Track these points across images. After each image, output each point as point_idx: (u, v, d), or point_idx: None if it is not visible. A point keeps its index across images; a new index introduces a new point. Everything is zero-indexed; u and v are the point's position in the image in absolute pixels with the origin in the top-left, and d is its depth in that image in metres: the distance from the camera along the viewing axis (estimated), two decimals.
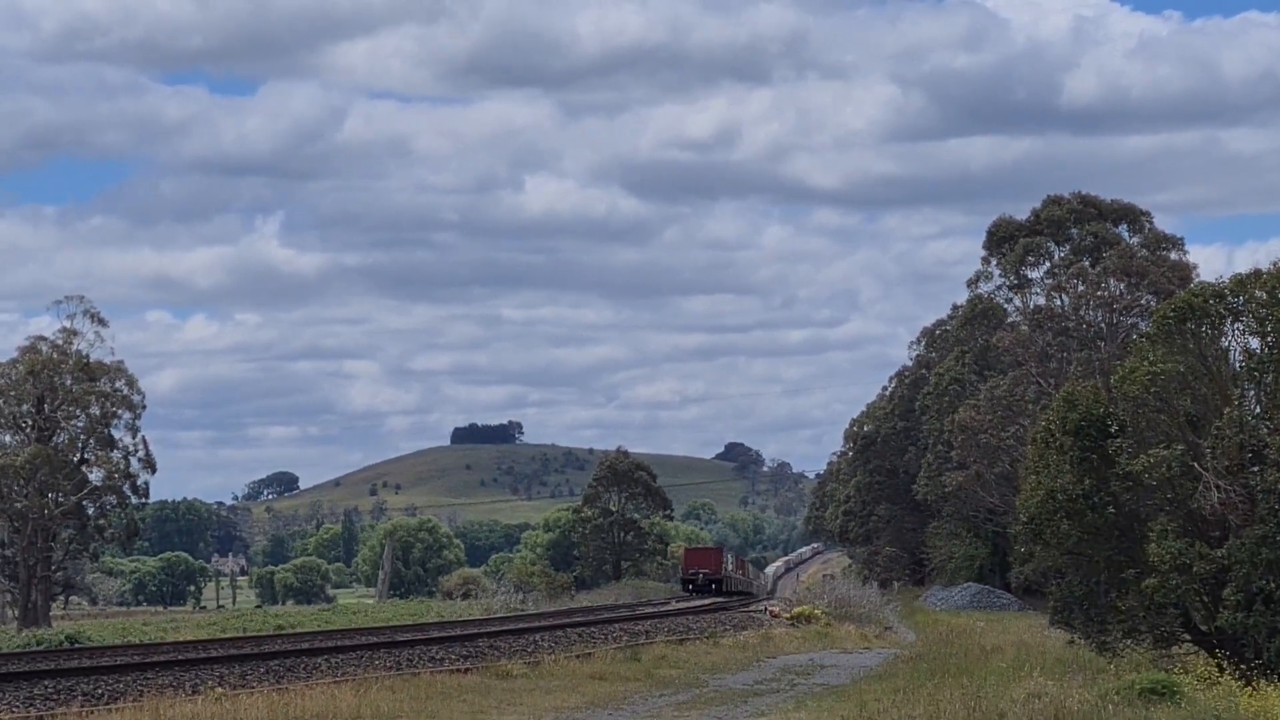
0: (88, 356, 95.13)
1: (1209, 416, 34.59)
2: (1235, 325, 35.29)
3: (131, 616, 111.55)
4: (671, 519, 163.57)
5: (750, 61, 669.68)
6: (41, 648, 46.60)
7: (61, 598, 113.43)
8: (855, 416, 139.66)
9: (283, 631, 57.21)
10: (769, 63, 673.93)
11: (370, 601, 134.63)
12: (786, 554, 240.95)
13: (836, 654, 51.19)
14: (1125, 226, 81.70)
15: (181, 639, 51.78)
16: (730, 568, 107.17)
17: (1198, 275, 71.19)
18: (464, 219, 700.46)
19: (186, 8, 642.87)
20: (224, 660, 37.53)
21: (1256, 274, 35.09)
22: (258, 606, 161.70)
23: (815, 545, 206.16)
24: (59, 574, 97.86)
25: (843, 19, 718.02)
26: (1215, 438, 33.93)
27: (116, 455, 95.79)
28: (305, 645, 42.98)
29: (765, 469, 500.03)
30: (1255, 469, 33.85)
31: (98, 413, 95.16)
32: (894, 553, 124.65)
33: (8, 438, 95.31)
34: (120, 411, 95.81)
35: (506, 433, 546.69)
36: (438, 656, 41.75)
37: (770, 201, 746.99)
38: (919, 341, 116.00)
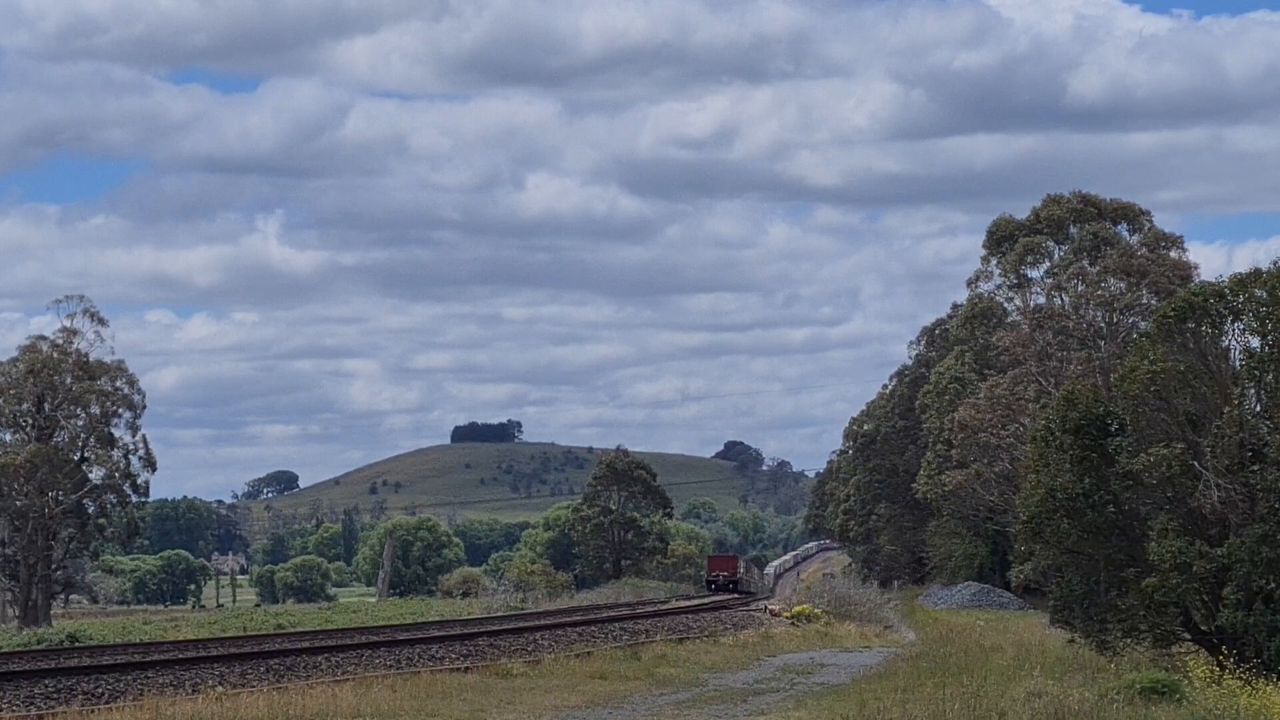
0: (88, 355, 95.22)
1: (1209, 415, 34.60)
2: (1235, 324, 35.31)
3: (132, 615, 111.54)
4: (671, 517, 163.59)
5: (752, 59, 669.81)
6: (42, 646, 46.60)
7: (62, 596, 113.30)
8: (855, 415, 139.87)
9: (283, 630, 57.22)
10: (771, 60, 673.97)
11: (370, 600, 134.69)
12: (786, 552, 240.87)
13: (836, 653, 51.19)
14: (1125, 226, 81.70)
15: (182, 638, 51.79)
16: (743, 571, 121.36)
17: (1198, 274, 71.20)
18: (465, 217, 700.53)
19: (188, 5, 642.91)
20: (224, 659, 37.54)
21: (1257, 273, 35.11)
22: (258, 605, 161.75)
23: (822, 541, 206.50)
24: (59, 573, 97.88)
25: (846, 17, 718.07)
26: (1215, 436, 33.93)
27: (117, 454, 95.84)
28: (305, 644, 42.99)
29: (765, 467, 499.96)
30: (1255, 467, 33.85)
31: (98, 411, 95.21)
32: (894, 551, 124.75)
33: (8, 436, 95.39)
34: (120, 410, 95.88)
35: (506, 431, 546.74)
36: (438, 655, 41.77)
37: (772, 199, 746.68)
38: (919, 340, 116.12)
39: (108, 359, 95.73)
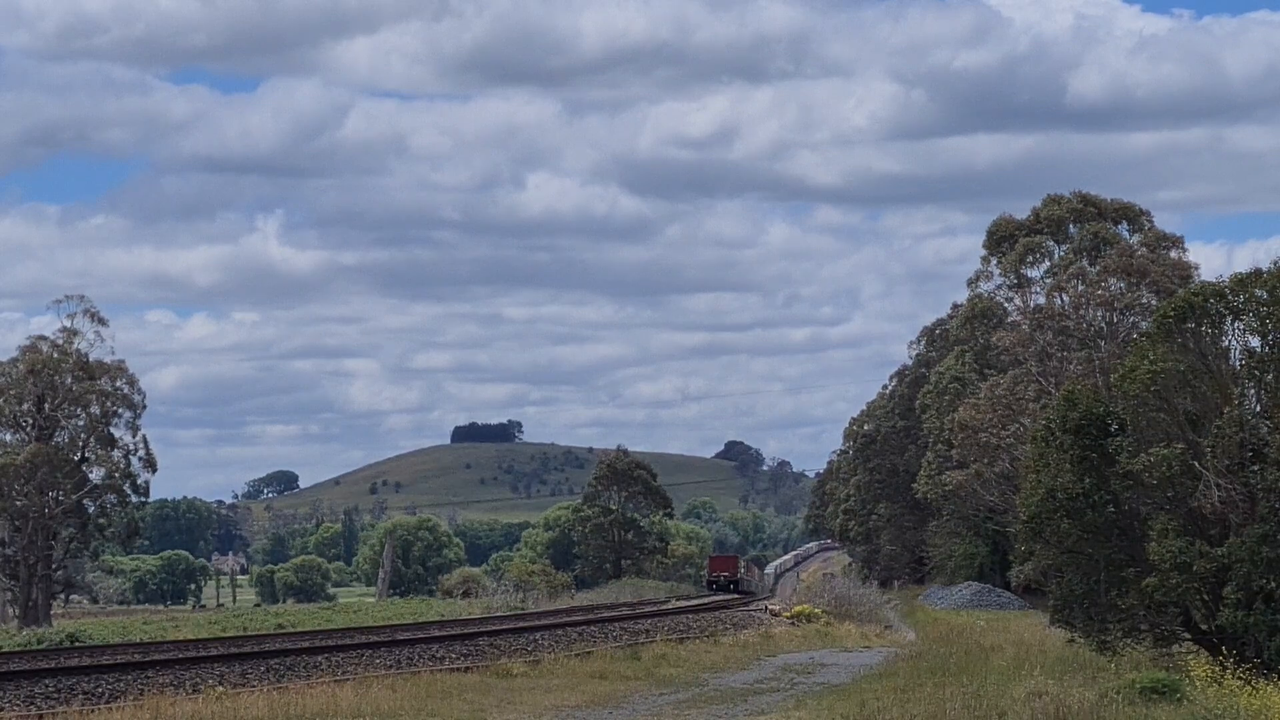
0: (88, 355, 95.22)
1: (1209, 415, 34.59)
2: (1236, 324, 35.29)
3: (132, 615, 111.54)
4: (671, 517, 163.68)
5: (752, 59, 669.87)
6: (42, 646, 46.58)
7: (62, 596, 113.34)
8: (855, 415, 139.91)
9: (283, 630, 57.21)
10: (771, 60, 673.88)
11: (370, 600, 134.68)
12: (786, 552, 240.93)
13: (837, 653, 51.18)
14: (1125, 225, 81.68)
15: (182, 638, 51.79)
16: (743, 571, 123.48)
17: (1198, 274, 71.16)
18: (465, 217, 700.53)
19: (189, 5, 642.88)
20: (224, 659, 37.52)
21: (1257, 273, 35.11)
22: (258, 605, 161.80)
23: (822, 541, 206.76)
24: (59, 573, 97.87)
25: (846, 17, 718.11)
26: (1215, 436, 33.93)
27: (117, 454, 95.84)
28: (305, 644, 42.97)
29: (765, 467, 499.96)
30: (1255, 467, 33.85)
31: (98, 412, 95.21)
32: (894, 551, 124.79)
33: (8, 436, 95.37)
34: (120, 410, 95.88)
35: (506, 431, 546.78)
36: (438, 655, 41.77)
37: (772, 199, 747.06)
38: (919, 340, 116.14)
39: (108, 359, 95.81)
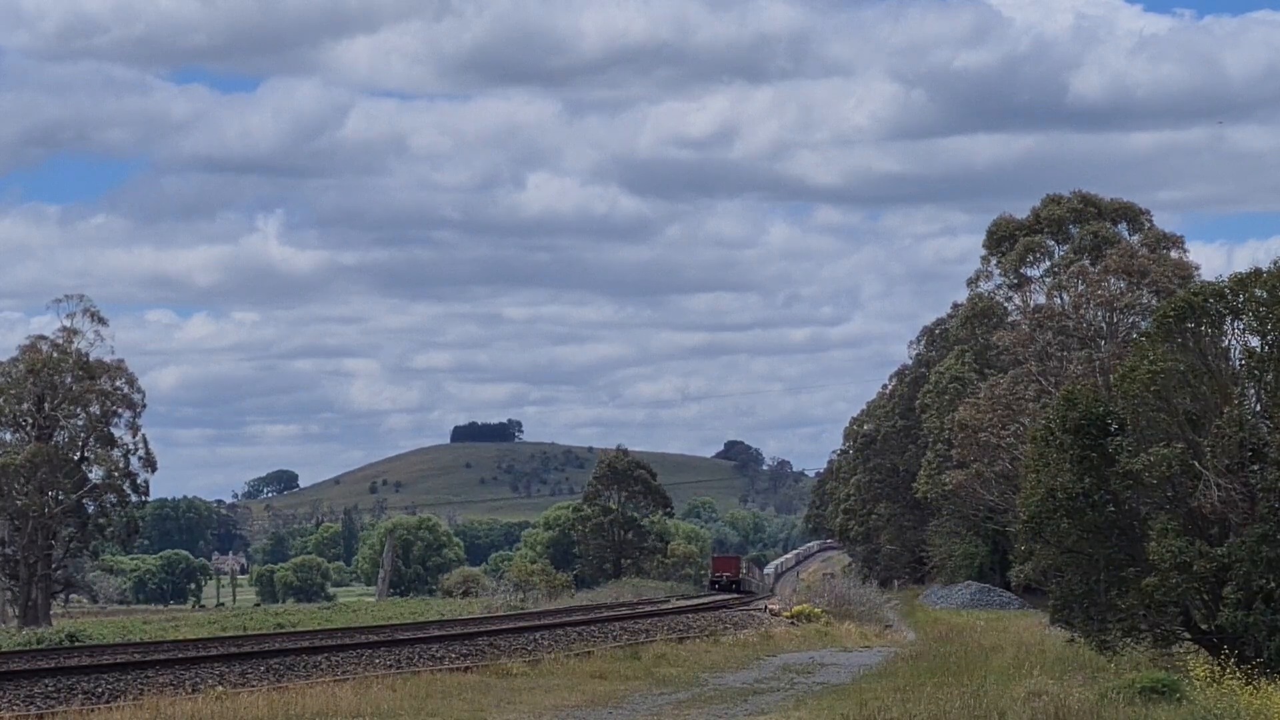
0: (88, 355, 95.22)
1: (1209, 415, 34.60)
2: (1235, 324, 35.31)
3: (132, 615, 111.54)
4: (671, 517, 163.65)
5: (752, 59, 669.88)
6: (42, 646, 46.60)
7: (62, 596, 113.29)
8: (855, 415, 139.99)
9: (283, 630, 57.23)
10: (771, 60, 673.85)
11: (370, 600, 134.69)
12: (786, 552, 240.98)
13: (836, 652, 51.18)
14: (1125, 225, 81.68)
15: (181, 637, 51.80)
16: (745, 572, 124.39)
17: (1198, 274, 71.15)
18: (465, 217, 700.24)
19: (189, 5, 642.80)
20: (224, 659, 37.52)
21: (1256, 273, 35.12)
22: (257, 605, 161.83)
23: (822, 540, 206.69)
24: (59, 572, 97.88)
25: (846, 17, 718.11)
26: (1215, 436, 33.93)
27: (117, 454, 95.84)
28: (305, 644, 42.96)
29: (765, 467, 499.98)
30: (1255, 467, 33.86)
31: (98, 411, 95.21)
32: (894, 551, 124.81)
33: (8, 436, 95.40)
34: (120, 410, 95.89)
35: (506, 431, 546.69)
36: (438, 655, 41.76)
37: (772, 199, 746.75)
38: (919, 340, 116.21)
39: (108, 359, 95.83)
